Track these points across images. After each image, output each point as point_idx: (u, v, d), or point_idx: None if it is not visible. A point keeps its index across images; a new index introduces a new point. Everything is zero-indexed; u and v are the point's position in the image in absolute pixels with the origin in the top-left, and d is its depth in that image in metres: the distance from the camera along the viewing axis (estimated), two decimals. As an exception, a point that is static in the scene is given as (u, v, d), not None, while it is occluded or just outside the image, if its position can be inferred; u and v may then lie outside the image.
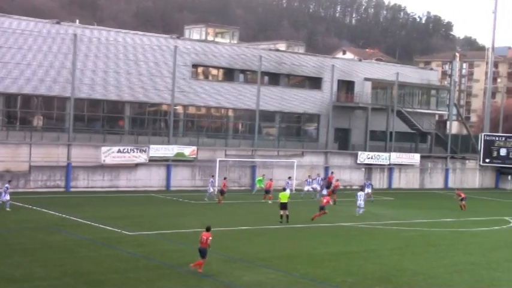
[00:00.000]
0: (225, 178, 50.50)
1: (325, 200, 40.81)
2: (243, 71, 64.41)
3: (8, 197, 38.89)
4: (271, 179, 52.19)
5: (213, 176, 51.59)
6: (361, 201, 43.63)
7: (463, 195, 50.13)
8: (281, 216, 38.77)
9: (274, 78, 66.23)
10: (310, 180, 54.54)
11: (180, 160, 55.40)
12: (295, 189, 55.04)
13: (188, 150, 55.76)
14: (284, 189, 41.31)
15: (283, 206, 38.65)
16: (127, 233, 32.99)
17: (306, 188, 53.89)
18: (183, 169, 56.02)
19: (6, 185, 39.91)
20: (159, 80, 57.69)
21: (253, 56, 63.11)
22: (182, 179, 55.85)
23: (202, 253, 25.33)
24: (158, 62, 57.66)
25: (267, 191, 49.18)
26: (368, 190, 51.76)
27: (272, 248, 30.95)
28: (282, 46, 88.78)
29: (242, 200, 50.03)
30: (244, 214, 42.80)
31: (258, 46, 76.25)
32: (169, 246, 30.47)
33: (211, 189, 48.44)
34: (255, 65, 62.15)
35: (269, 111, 64.58)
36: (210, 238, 25.52)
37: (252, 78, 64.63)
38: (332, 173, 60.39)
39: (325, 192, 49.92)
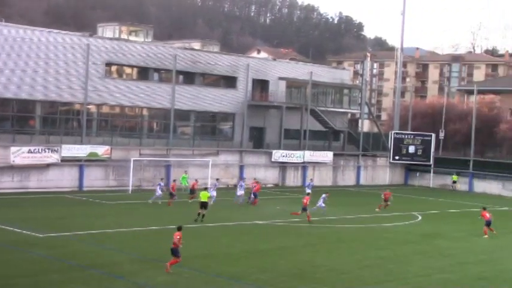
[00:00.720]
0: (174, 180, 50.08)
1: (305, 200, 41.43)
2: (157, 70, 63.87)
3: None
4: (196, 180, 51.93)
5: (162, 179, 51.84)
6: (321, 203, 44.10)
7: (387, 197, 50.11)
8: (198, 214, 38.83)
9: (189, 77, 66.00)
10: (243, 183, 51.34)
11: (93, 160, 54.51)
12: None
13: (101, 150, 54.92)
14: (205, 189, 41.37)
15: (203, 205, 38.86)
16: (38, 235, 32.22)
17: (239, 193, 49.67)
18: (97, 169, 55.14)
19: None
20: (71, 79, 56.44)
21: (167, 54, 62.72)
22: (95, 179, 54.95)
23: (174, 252, 25.65)
24: (70, 60, 56.41)
25: (192, 191, 48.62)
26: (308, 190, 51.39)
27: (187, 247, 30.81)
28: (196, 45, 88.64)
29: (158, 200, 49.58)
30: (159, 214, 42.50)
31: (173, 45, 75.69)
32: (81, 247, 29.97)
33: (160, 192, 47.23)
34: (169, 63, 61.78)
35: (184, 110, 64.33)
36: (178, 237, 25.80)
37: (166, 77, 64.21)
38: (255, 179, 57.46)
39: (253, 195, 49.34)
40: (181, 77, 65.36)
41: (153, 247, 30.67)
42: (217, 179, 53.89)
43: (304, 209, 41.08)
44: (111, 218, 39.49)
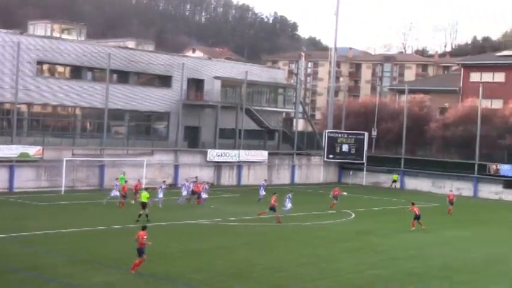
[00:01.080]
0: (138, 180, 50.59)
1: (272, 200, 41.48)
2: (91, 69, 62.98)
3: None
4: (139, 180, 51.35)
5: (164, 181, 51.58)
6: (288, 204, 44.34)
7: (336, 193, 50.74)
8: (139, 215, 38.60)
9: (123, 77, 65.31)
10: (188, 184, 50.00)
11: (24, 160, 53.36)
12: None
13: (33, 150, 53.79)
14: (146, 189, 41.07)
15: (143, 205, 38.80)
16: (-33, 238, 31.43)
17: (185, 193, 49.11)
18: (28, 170, 53.99)
19: None
20: (1, 78, 55.14)
21: (101, 53, 61.91)
22: (27, 180, 53.78)
23: (140, 252, 25.61)
24: (0, 58, 55.12)
25: (135, 192, 47.70)
26: (262, 192, 52.07)
27: (123, 248, 30.62)
28: (131, 44, 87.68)
29: (92, 200, 48.99)
30: (91, 214, 41.97)
31: (107, 43, 74.79)
32: (13, 249, 29.37)
33: (160, 196, 46.26)
34: (103, 62, 60.96)
35: (118, 109, 63.62)
36: (145, 237, 25.75)
37: (100, 77, 63.36)
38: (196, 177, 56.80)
39: (205, 195, 48.92)
40: (115, 76, 64.63)
41: (86, 248, 30.31)
42: (164, 181, 52.79)
43: (272, 209, 41.26)
44: (43, 219, 38.78)
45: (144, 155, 60.90)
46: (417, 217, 41.12)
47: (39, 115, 59.83)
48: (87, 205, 46.56)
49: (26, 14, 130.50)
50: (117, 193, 46.46)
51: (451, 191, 54.97)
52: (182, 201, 48.53)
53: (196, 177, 55.38)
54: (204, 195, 48.85)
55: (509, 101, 73.30)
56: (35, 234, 33.38)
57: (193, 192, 49.41)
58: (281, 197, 43.78)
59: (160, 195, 46.24)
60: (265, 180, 58.45)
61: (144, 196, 39.28)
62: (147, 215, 38.61)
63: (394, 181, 73.27)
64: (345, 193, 54.15)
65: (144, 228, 26.47)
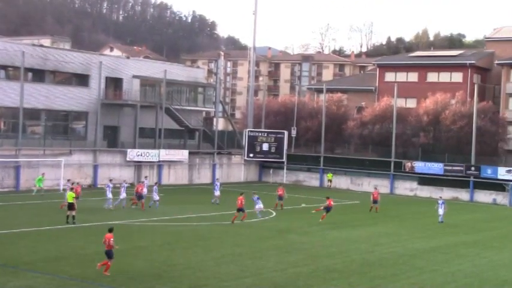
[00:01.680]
0: (141, 182, 49.02)
1: (239, 202, 41.49)
2: (4, 67, 61.18)
3: None
4: (78, 183, 50.63)
5: (124, 180, 49.91)
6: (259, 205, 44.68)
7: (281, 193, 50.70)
8: (67, 217, 37.95)
9: (39, 75, 63.72)
10: (126, 185, 47.94)
11: None
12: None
13: None
14: (71, 189, 40.11)
15: (70, 206, 38.03)
16: None
17: (123, 196, 46.57)
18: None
19: None
20: None
21: (15, 51, 60.19)
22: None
23: (109, 254, 25.51)
24: None
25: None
26: (217, 192, 51.93)
27: (36, 251, 29.89)
28: (46, 42, 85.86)
29: (5, 202, 47.55)
30: (6, 217, 40.73)
31: (21, 41, 72.86)
32: None
33: (123, 195, 45.70)
34: (17, 60, 59.29)
35: (34, 109, 62.05)
36: (112, 239, 25.66)
37: (14, 75, 61.62)
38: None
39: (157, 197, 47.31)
40: (30, 75, 63.00)
41: (2, 251, 29.43)
42: (124, 180, 51.94)
43: (240, 210, 41.49)
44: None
45: (62, 155, 59.60)
46: (328, 209, 43.64)
47: (-50, 115, 57.73)
48: (2, 207, 45.14)
49: None
50: (125, 195, 45.78)
51: (375, 188, 55.50)
52: (117, 204, 46.18)
53: (145, 177, 55.36)
54: (156, 197, 47.26)
55: (422, 100, 75.47)
56: None
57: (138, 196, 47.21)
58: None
59: (123, 195, 45.76)
60: (218, 179, 57.87)
61: (69, 196, 38.38)
62: (73, 217, 37.82)
63: (330, 180, 73.70)
64: (303, 205, 52.98)
65: (110, 230, 26.37)
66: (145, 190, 48.04)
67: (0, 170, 55.90)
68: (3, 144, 57.92)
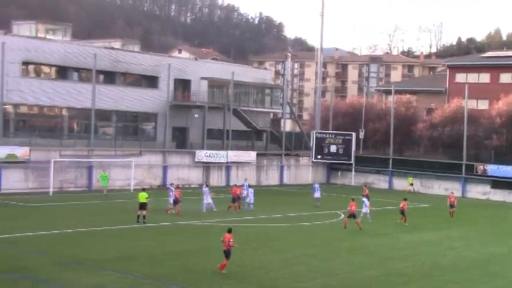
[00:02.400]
0: (235, 185, 47.80)
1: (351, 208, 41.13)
2: (77, 69, 62.65)
3: None
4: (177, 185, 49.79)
5: (172, 184, 47.75)
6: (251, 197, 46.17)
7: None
8: (138, 216, 38.36)
9: (110, 77, 65.01)
10: (208, 190, 45.94)
11: (11, 162, 52.86)
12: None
13: (20, 151, 53.33)
14: (143, 190, 40.24)
15: (141, 206, 38.41)
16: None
17: (206, 200, 45.58)
18: (16, 171, 53.46)
19: None
20: (-14, 78, 54.70)
21: (87, 54, 61.54)
22: (14, 181, 53.27)
23: (227, 254, 26.36)
24: (-15, 59, 54.67)
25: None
26: (251, 196, 48.76)
27: (108, 249, 30.38)
28: (117, 44, 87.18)
29: (79, 202, 48.65)
30: (80, 215, 41.62)
31: (93, 44, 74.42)
32: (1, 251, 29.01)
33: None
34: (89, 63, 60.58)
35: (105, 110, 63.28)
36: (232, 240, 26.30)
37: (86, 77, 63.02)
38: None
39: (209, 200, 45.75)
40: (101, 77, 64.33)
41: (76, 249, 30.03)
42: (204, 184, 51.62)
43: (352, 216, 40.71)
44: (31, 220, 38.41)
45: (133, 155, 60.56)
46: (402, 212, 43.43)
47: (26, 116, 59.41)
48: (76, 206, 46.19)
49: (9, 14, 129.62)
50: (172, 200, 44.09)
51: (452, 193, 53.54)
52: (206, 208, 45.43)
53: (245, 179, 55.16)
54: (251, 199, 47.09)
55: (494, 101, 73.59)
56: (23, 236, 33.03)
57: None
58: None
59: (210, 199, 45.28)
60: (246, 179, 57.58)
61: (142, 196, 38.70)
62: (144, 216, 38.28)
63: (411, 184, 70.97)
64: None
65: (229, 231, 26.89)
66: (244, 192, 48.05)
67: (74, 170, 57.20)
68: (76, 145, 59.25)
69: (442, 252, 33.94)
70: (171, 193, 44.15)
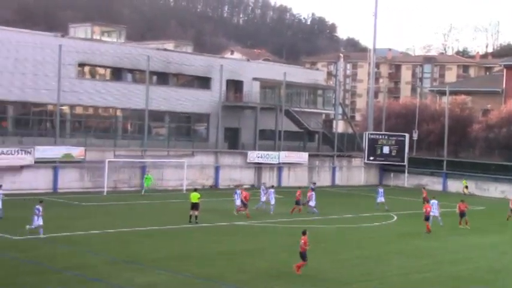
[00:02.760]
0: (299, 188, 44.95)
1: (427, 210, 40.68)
2: (131, 71, 63.46)
3: None
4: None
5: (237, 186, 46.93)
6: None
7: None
8: (190, 216, 38.59)
9: (162, 78, 65.67)
10: (239, 192, 44.32)
11: (67, 161, 53.88)
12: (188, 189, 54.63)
13: (76, 151, 54.30)
14: (195, 190, 40.23)
15: (194, 206, 38.55)
16: (11, 237, 31.74)
17: (263, 198, 45.77)
18: (71, 170, 54.48)
19: None
20: (44, 79, 55.85)
21: (141, 55, 62.28)
22: (70, 180, 54.29)
23: (302, 256, 26.50)
24: (42, 60, 55.79)
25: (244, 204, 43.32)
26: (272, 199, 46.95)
27: (162, 249, 30.66)
28: (170, 46, 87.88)
29: (132, 201, 49.28)
30: (133, 215, 42.16)
31: (146, 45, 75.25)
32: (56, 249, 29.55)
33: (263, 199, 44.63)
34: (143, 64, 61.30)
35: (158, 111, 63.96)
36: (302, 241, 26.47)
37: (140, 78, 63.79)
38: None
39: (273, 201, 45.60)
40: (155, 78, 65.00)
41: (129, 249, 30.38)
42: (270, 185, 51.47)
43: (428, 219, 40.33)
44: (86, 219, 39.03)
45: (185, 156, 61.03)
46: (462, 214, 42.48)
47: (81, 116, 60.45)
48: (129, 206, 46.80)
49: (66, 17, 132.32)
50: (239, 202, 43.39)
51: None
52: (259, 207, 45.78)
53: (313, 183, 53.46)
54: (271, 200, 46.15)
55: (553, 101, 71.84)
56: (78, 234, 33.60)
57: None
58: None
59: (273, 201, 45.10)
60: (264, 183, 54.54)
61: (194, 197, 38.84)
62: (196, 217, 38.50)
63: (466, 187, 69.68)
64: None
65: (304, 233, 26.85)
66: (262, 195, 46.43)
67: (128, 170, 57.96)
68: (130, 145, 60.01)
69: (496, 256, 33.25)
70: (236, 196, 43.59)
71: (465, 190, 69.71)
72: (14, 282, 23.29)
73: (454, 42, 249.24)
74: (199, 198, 38.95)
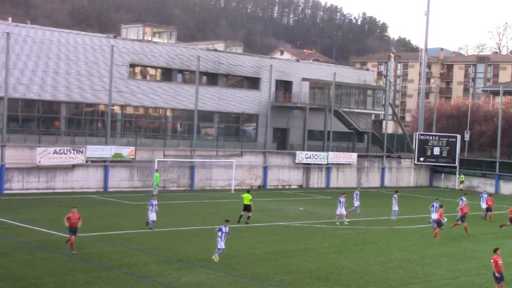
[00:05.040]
0: (441, 206, 39.67)
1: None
2: (181, 71, 64.11)
3: None
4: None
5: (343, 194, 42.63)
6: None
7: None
8: (240, 216, 38.70)
9: (212, 78, 66.16)
10: (343, 200, 41.45)
11: (118, 161, 54.76)
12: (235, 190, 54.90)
13: (126, 151, 55.16)
14: (248, 191, 40.11)
15: (246, 207, 38.68)
16: (63, 235, 32.36)
17: (338, 212, 41.55)
18: (121, 170, 55.37)
19: None
20: (96, 80, 56.95)
21: (191, 55, 62.88)
22: (120, 179, 55.19)
23: (499, 278, 23.89)
24: (95, 61, 56.87)
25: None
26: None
27: (210, 249, 30.87)
28: (220, 46, 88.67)
29: (181, 201, 49.81)
30: (182, 214, 42.61)
31: (196, 46, 75.91)
32: (106, 248, 30.10)
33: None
34: (193, 64, 61.89)
35: (208, 111, 64.47)
36: (500, 261, 23.96)
37: (190, 78, 64.40)
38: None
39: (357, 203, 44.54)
40: (204, 78, 65.52)
41: (178, 248, 30.73)
42: (358, 187, 50.51)
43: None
44: (136, 218, 39.58)
45: (234, 156, 61.39)
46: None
47: (132, 116, 61.30)
48: (178, 205, 47.29)
49: (119, 18, 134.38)
50: (343, 210, 40.96)
51: None
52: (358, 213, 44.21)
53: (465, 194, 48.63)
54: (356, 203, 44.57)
55: None
56: (127, 233, 34.13)
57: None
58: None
59: (357, 203, 44.34)
60: (358, 188, 50.77)
61: (246, 198, 38.77)
62: (248, 217, 38.53)
63: (462, 182, 71.69)
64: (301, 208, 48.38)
65: (495, 250, 24.52)
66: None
67: (177, 170, 58.58)
68: (180, 145, 60.63)
69: (550, 261, 32.47)
70: (340, 204, 41.01)
71: (461, 185, 71.27)
72: (65, 280, 23.83)
73: (509, 42, 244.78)
74: (251, 200, 38.98)
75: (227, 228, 28.72)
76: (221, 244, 28.28)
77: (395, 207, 44.10)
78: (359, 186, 62.51)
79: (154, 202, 35.28)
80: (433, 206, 40.14)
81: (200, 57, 61.48)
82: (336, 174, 68.98)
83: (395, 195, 44.63)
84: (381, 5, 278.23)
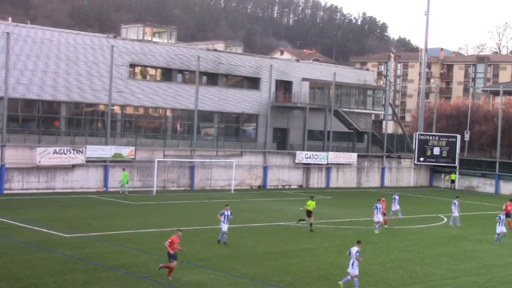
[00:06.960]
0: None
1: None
2: (181, 71, 64.07)
3: None
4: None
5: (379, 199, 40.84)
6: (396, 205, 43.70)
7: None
8: (310, 224, 37.92)
9: (212, 78, 66.14)
10: (380, 206, 39.56)
11: (118, 161, 54.73)
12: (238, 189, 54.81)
13: (126, 151, 55.13)
14: (312, 198, 39.24)
15: (309, 213, 38.11)
16: (63, 235, 32.43)
17: (376, 219, 39.38)
18: (121, 170, 55.27)
19: None
20: (95, 80, 56.91)
21: (191, 56, 62.85)
22: (120, 179, 55.11)
23: None
24: (94, 61, 56.83)
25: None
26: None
27: (210, 248, 30.91)
28: (220, 46, 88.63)
29: (181, 201, 49.80)
30: (182, 214, 42.61)
31: (196, 46, 75.88)
32: (106, 248, 30.09)
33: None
34: (193, 65, 61.86)
35: (208, 111, 64.44)
36: None
37: (190, 78, 64.37)
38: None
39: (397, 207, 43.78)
40: (204, 78, 65.48)
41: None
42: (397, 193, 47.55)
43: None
44: (135, 218, 39.61)
45: (234, 156, 61.38)
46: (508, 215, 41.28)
47: (132, 116, 61.26)
48: (177, 205, 47.28)
49: (119, 18, 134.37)
50: (380, 217, 39.47)
51: None
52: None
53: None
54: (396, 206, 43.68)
55: None
56: (127, 233, 34.12)
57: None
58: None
59: (397, 206, 43.64)
60: (397, 193, 47.17)
61: (310, 204, 38.06)
62: (311, 224, 37.86)
63: (452, 181, 72.27)
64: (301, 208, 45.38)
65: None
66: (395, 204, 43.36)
67: (177, 170, 58.56)
68: (180, 145, 60.61)
69: (550, 261, 32.51)
70: (376, 210, 39.20)
71: (452, 185, 72.12)
72: (65, 280, 23.82)
73: (509, 42, 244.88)
74: (314, 207, 38.21)
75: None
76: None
77: (395, 207, 43.85)
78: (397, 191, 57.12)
79: (226, 212, 32.25)
80: (454, 203, 42.04)
81: (200, 57, 61.43)
82: (336, 174, 68.97)
83: (395, 196, 44.48)
84: (380, 5, 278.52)
